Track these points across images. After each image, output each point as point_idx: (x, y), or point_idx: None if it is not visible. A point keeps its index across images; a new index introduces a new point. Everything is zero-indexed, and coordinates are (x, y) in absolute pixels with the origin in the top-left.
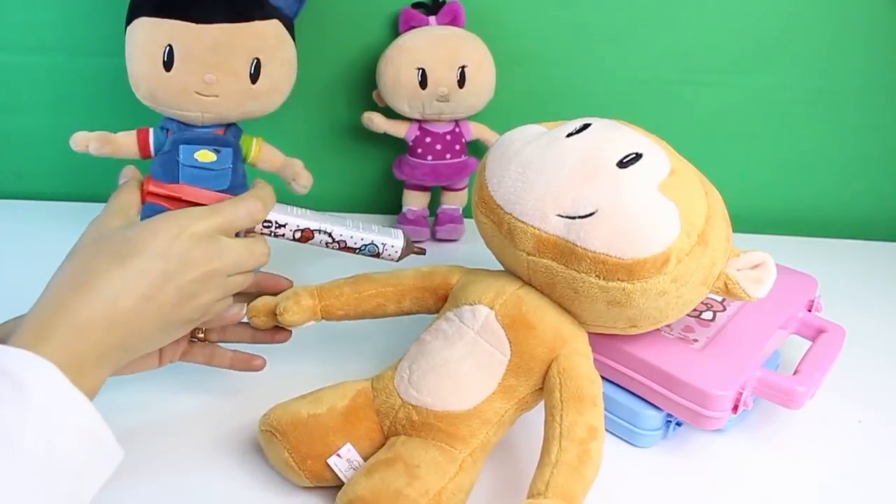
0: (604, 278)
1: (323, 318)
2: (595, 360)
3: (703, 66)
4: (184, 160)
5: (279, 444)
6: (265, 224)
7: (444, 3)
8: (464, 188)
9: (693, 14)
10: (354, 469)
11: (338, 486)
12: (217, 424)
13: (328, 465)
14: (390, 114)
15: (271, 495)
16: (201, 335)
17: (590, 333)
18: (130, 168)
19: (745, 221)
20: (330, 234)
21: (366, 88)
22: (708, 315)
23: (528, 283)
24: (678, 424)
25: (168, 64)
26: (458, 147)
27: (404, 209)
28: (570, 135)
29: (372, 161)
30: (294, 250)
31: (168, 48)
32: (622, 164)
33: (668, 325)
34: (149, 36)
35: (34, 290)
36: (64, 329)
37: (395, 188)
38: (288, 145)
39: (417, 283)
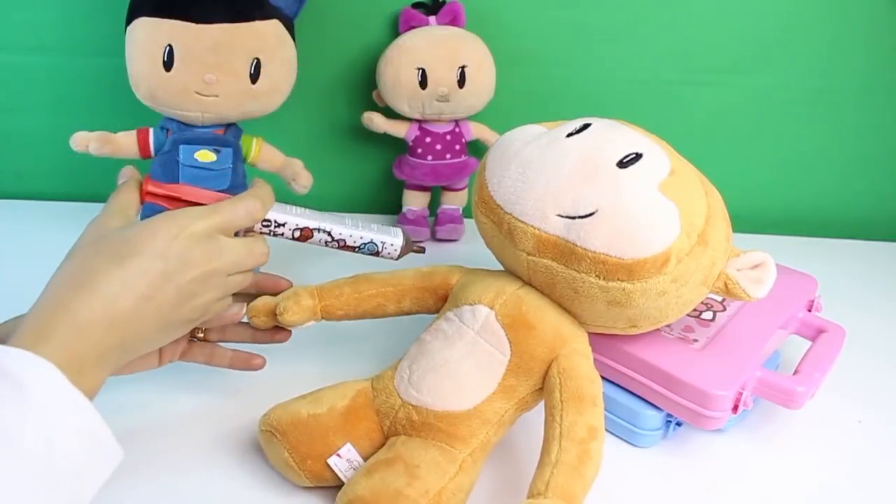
0: (604, 278)
1: (323, 318)
2: (595, 360)
3: (703, 66)
4: (184, 160)
5: (279, 444)
6: (264, 223)
7: (444, 3)
8: (464, 188)
9: (693, 14)
10: (354, 469)
11: (338, 486)
12: (217, 424)
13: (328, 465)
14: (390, 114)
15: (271, 495)
16: (201, 335)
17: (590, 333)
18: (129, 168)
19: (745, 221)
20: (329, 233)
21: (366, 88)
22: (708, 315)
23: (528, 283)
24: (678, 424)
25: (168, 64)
26: (458, 147)
27: (404, 209)
28: (570, 135)
29: (372, 161)
30: (294, 250)
31: (168, 48)
32: (622, 164)
33: (668, 325)
34: (149, 36)
35: (34, 290)
36: (63, 329)
37: (395, 188)
38: (288, 145)
39: (417, 283)
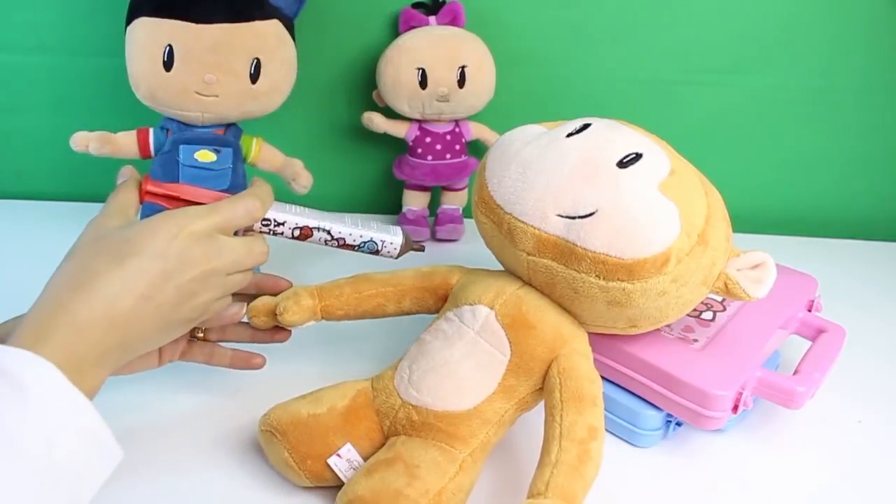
0: (604, 278)
1: (323, 318)
2: (595, 360)
3: (703, 66)
4: (184, 160)
5: (279, 444)
6: (264, 222)
7: (444, 3)
8: (464, 188)
9: (693, 14)
10: (354, 469)
11: (338, 486)
12: (217, 424)
13: (328, 465)
14: (390, 114)
15: (271, 495)
16: (201, 335)
17: (590, 333)
18: (128, 168)
19: (745, 221)
20: (329, 232)
21: (366, 88)
22: (708, 315)
23: (528, 283)
24: (678, 424)
25: (168, 64)
26: (458, 147)
27: (404, 209)
28: (570, 135)
29: (372, 161)
30: (293, 250)
31: (168, 48)
32: (622, 164)
33: (668, 325)
34: (149, 36)
35: (34, 290)
36: (63, 329)
37: (395, 188)
38: (288, 145)
39: (417, 283)
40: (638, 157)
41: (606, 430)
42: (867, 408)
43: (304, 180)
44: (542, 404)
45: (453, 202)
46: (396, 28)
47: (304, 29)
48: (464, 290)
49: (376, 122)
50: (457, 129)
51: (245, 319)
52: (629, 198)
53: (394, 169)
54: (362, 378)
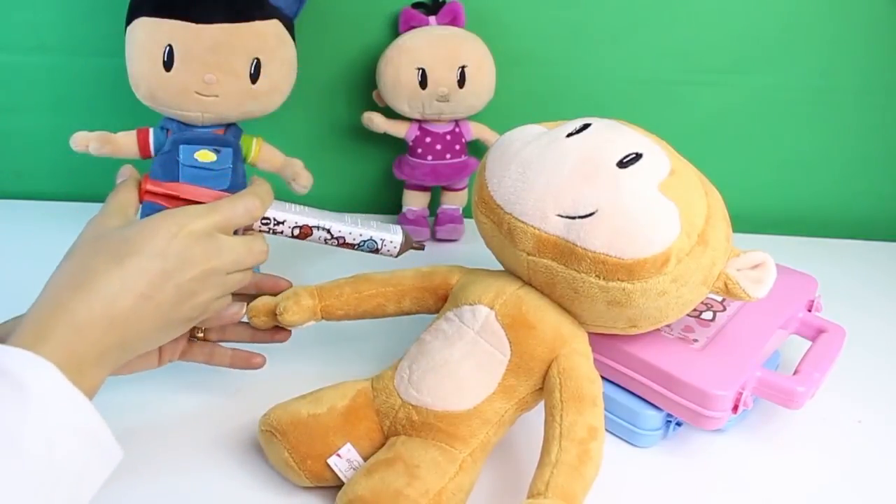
0: (604, 278)
1: (323, 318)
2: (595, 360)
3: (703, 66)
4: (184, 160)
5: (279, 444)
6: (263, 221)
7: (444, 3)
8: (464, 188)
9: (693, 14)
10: (354, 469)
11: (338, 486)
12: (217, 424)
13: (328, 465)
14: (390, 114)
15: (271, 495)
16: (200, 335)
17: (590, 333)
18: (128, 167)
19: (745, 221)
20: (328, 231)
21: (366, 88)
22: (708, 315)
23: (528, 283)
24: (678, 424)
25: (168, 64)
26: (458, 147)
27: (404, 209)
28: (570, 135)
29: (372, 161)
30: (293, 250)
31: (168, 48)
32: (622, 164)
33: (668, 325)
34: (149, 36)
35: (34, 290)
36: (63, 329)
37: (395, 188)
38: (288, 145)
39: (417, 283)
40: (638, 157)
41: (606, 430)
42: (867, 408)
43: (304, 180)
44: (542, 404)
45: (453, 202)
46: (396, 28)
47: (304, 29)
48: (464, 290)
49: (376, 122)
50: (457, 129)
51: (245, 319)
52: (629, 198)
53: (394, 169)
54: (362, 378)
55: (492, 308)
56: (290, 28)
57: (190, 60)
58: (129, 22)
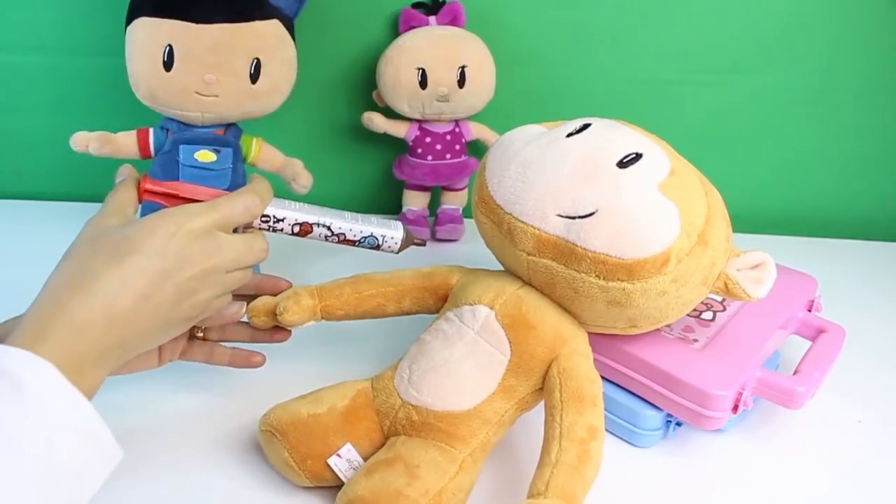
0: (604, 278)
1: (323, 318)
2: (595, 360)
3: (703, 66)
4: (184, 160)
5: (279, 444)
6: (263, 219)
7: (444, 3)
8: (464, 188)
9: (693, 14)
10: (354, 469)
11: (338, 486)
12: (217, 424)
13: (328, 465)
14: (390, 114)
15: (271, 495)
16: (200, 334)
17: (590, 333)
18: (127, 166)
19: (745, 221)
20: (329, 228)
21: (366, 88)
22: (708, 315)
23: (528, 283)
24: (678, 424)
25: (168, 64)
26: (458, 147)
27: (404, 209)
28: (570, 135)
29: (372, 161)
30: (293, 249)
31: (168, 48)
32: (622, 164)
33: (668, 325)
34: (149, 36)
35: (34, 289)
36: (62, 328)
37: (395, 188)
38: (288, 145)
39: (417, 283)
40: (638, 157)
41: (606, 430)
42: (867, 408)
43: (304, 180)
44: (542, 404)
45: (453, 202)
46: (396, 28)
47: (304, 29)
48: (464, 290)
49: (376, 122)
50: (457, 129)
51: (245, 319)
52: (629, 198)
53: (394, 169)
54: (362, 378)
55: (492, 308)
56: (290, 28)
57: (190, 60)
58: (129, 22)
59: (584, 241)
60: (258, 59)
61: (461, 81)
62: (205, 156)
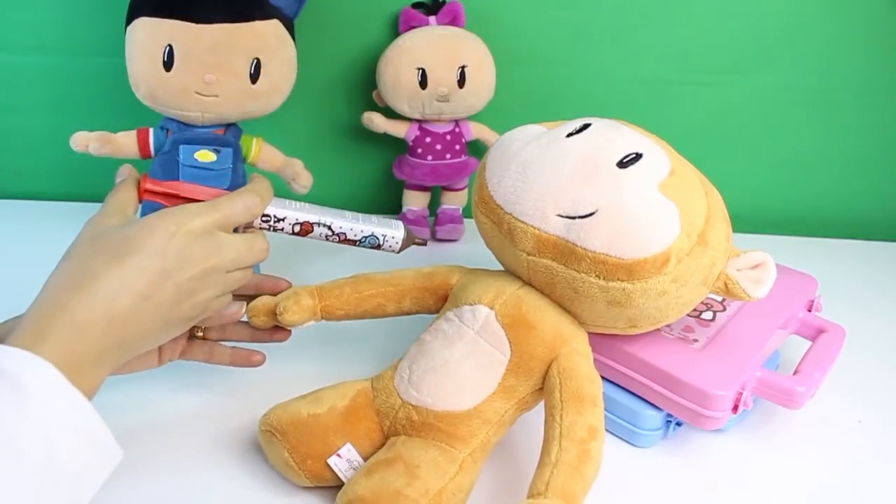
0: (604, 278)
1: (323, 318)
2: (595, 360)
3: (703, 66)
4: (184, 160)
5: (279, 444)
6: (264, 218)
7: (444, 3)
8: (464, 188)
9: (693, 14)
10: (354, 469)
11: (338, 486)
12: (217, 424)
13: (328, 465)
14: (390, 114)
15: (271, 495)
16: (200, 334)
17: (590, 333)
18: (127, 166)
19: (745, 221)
20: (329, 227)
21: (366, 88)
22: (708, 315)
23: (528, 283)
24: (678, 424)
25: (168, 64)
26: (458, 147)
27: (404, 209)
28: (570, 135)
29: (372, 161)
30: (294, 249)
31: (168, 48)
32: (622, 164)
33: (668, 325)
34: (149, 36)
35: (34, 289)
36: (62, 329)
37: (395, 188)
38: (288, 145)
39: (417, 284)
40: (638, 157)
41: (606, 430)
42: (867, 408)
43: (304, 180)
44: (542, 404)
45: (453, 202)
46: (396, 28)
47: (304, 29)
48: (464, 290)
49: (376, 122)
50: (457, 129)
51: (245, 319)
52: (629, 198)
53: (394, 169)
54: (362, 378)
55: (492, 308)
56: (290, 28)
57: (190, 60)
58: (129, 22)
59: (584, 241)
60: (258, 59)
61: (461, 81)
62: (205, 156)
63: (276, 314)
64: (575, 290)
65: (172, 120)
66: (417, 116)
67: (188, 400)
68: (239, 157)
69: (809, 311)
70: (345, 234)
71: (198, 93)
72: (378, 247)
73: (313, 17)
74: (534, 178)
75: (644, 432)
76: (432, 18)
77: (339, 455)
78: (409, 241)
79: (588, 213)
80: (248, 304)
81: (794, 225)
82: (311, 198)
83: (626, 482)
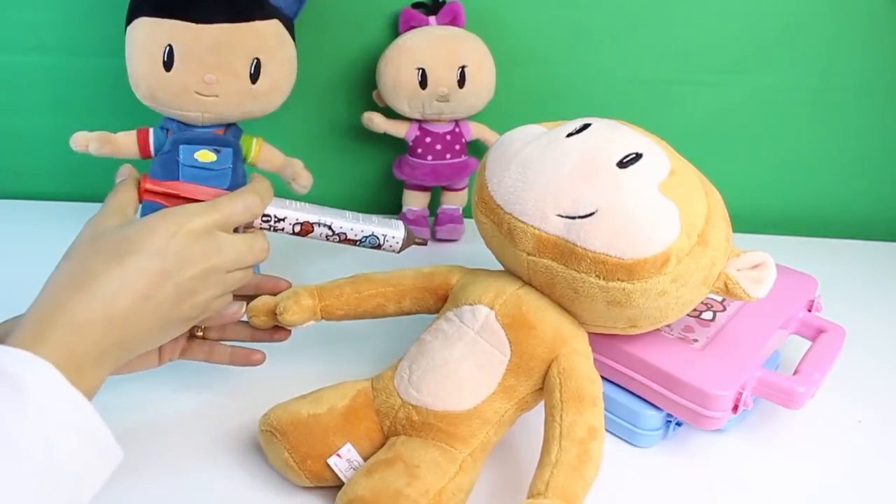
0: (604, 278)
1: (323, 317)
2: (595, 360)
3: (703, 66)
4: (184, 160)
5: (279, 444)
6: (264, 218)
7: (444, 3)
8: (464, 188)
9: (693, 14)
10: (354, 469)
11: (338, 486)
12: (217, 424)
13: (328, 465)
14: (390, 114)
15: (271, 495)
16: (200, 333)
17: (590, 333)
18: (127, 167)
19: (745, 221)
20: (330, 227)
21: (366, 88)
22: (708, 315)
23: (528, 283)
24: (678, 424)
25: (168, 64)
26: (458, 147)
27: (404, 209)
28: (570, 135)
29: (372, 161)
30: (294, 249)
31: (168, 48)
32: (622, 164)
33: (668, 325)
34: (149, 36)
35: (34, 290)
36: (62, 329)
37: (395, 188)
38: (288, 145)
39: (417, 283)
40: (638, 157)
41: (606, 430)
42: (867, 408)
43: (304, 180)
44: (542, 404)
45: (453, 202)
46: (396, 28)
47: (304, 29)
48: (464, 290)
49: (376, 122)
50: (457, 129)
51: (245, 319)
52: (629, 198)
53: (394, 169)
54: (362, 378)
55: (492, 308)
56: (290, 28)
57: (190, 60)
58: (129, 22)
59: (584, 241)
60: (258, 59)
61: (461, 81)
62: (205, 156)
63: (276, 314)
64: (575, 290)
65: (172, 120)
66: (417, 116)
67: (188, 400)
68: (239, 157)
69: (809, 311)
70: (345, 234)
71: (198, 93)
72: (378, 247)
73: (313, 17)
74: (534, 178)
75: (644, 432)
76: (432, 18)
77: (339, 455)
78: (409, 241)
79: (588, 213)
80: (248, 304)
81: (794, 225)
82: (311, 198)
83: (626, 482)
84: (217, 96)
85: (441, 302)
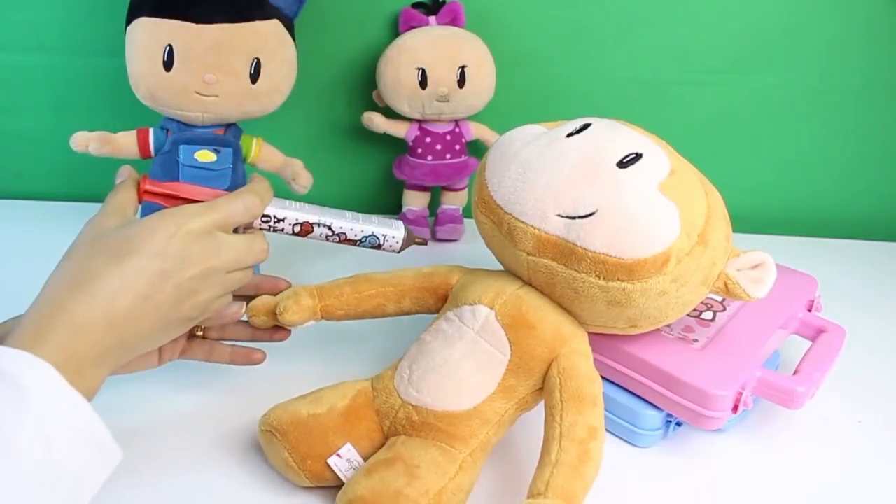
0: (604, 278)
1: (323, 317)
2: (595, 360)
3: (703, 66)
4: (184, 160)
5: (279, 444)
6: (264, 219)
7: (444, 3)
8: (464, 188)
9: (693, 14)
10: (354, 469)
11: (338, 486)
12: (217, 424)
13: (328, 465)
14: (390, 114)
15: (271, 495)
16: (200, 333)
17: (590, 333)
18: (127, 167)
19: (745, 221)
20: (329, 227)
21: (366, 88)
22: (708, 315)
23: (528, 283)
24: (678, 424)
25: (168, 64)
26: (458, 147)
27: (404, 209)
28: (570, 135)
29: (372, 161)
30: (294, 249)
31: (168, 48)
32: (622, 164)
33: (668, 325)
34: (149, 36)
35: (34, 290)
36: (62, 329)
37: (395, 188)
38: (288, 145)
39: (417, 283)
40: (638, 157)
41: (606, 430)
42: (867, 408)
43: (304, 180)
44: (542, 404)
45: (453, 202)
46: (396, 28)
47: (304, 29)
48: (464, 290)
49: (376, 122)
50: (457, 129)
51: (245, 319)
52: (629, 198)
53: (394, 169)
54: (362, 378)
55: (492, 308)
56: (290, 28)
57: (190, 60)
58: (128, 22)
59: (584, 241)
60: (258, 59)
61: (461, 81)
62: (205, 156)
63: (276, 314)
64: (575, 290)
65: (172, 120)
66: (417, 116)
67: (188, 400)
68: (239, 157)
69: (809, 311)
70: (345, 234)
71: (198, 93)
72: (378, 247)
73: (313, 17)
74: (534, 178)
75: (644, 432)
76: (432, 18)
77: (339, 455)
78: (409, 241)
79: (588, 213)
80: (248, 304)
81: (794, 225)
82: (311, 198)
83: (626, 482)
84: (217, 96)
85: (441, 302)
